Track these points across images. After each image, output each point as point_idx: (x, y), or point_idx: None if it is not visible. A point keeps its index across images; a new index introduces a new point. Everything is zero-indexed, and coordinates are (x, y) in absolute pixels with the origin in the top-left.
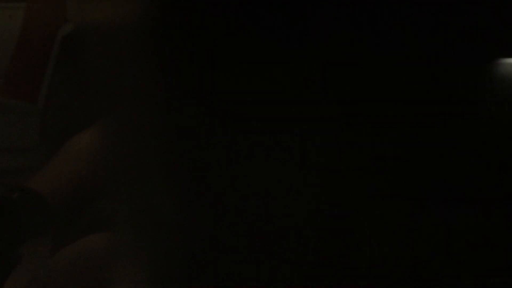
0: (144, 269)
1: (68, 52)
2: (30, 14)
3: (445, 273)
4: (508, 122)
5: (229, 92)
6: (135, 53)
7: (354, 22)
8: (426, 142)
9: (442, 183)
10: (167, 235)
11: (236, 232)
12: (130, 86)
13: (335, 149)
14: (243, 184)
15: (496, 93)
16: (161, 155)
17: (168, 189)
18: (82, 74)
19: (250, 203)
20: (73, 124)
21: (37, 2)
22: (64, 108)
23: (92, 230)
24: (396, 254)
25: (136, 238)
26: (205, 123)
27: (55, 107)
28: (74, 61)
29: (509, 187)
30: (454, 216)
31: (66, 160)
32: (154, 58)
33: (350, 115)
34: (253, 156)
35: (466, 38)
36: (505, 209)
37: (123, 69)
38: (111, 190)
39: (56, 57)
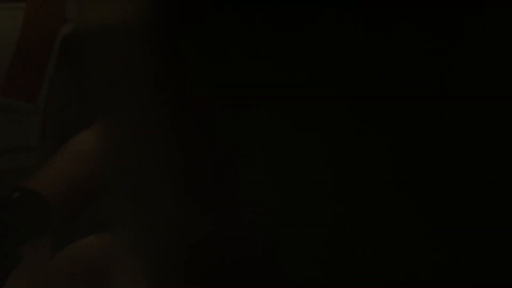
0: (145, 269)
1: (68, 52)
2: (30, 14)
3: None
4: None
5: (232, 90)
6: (136, 53)
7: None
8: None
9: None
10: (168, 235)
11: (239, 233)
12: (131, 86)
13: (343, 150)
14: (249, 185)
15: None
16: (161, 155)
17: (169, 189)
18: (82, 74)
19: (255, 205)
20: (73, 124)
21: (37, 2)
22: (64, 108)
23: (92, 230)
24: (402, 257)
25: (136, 238)
26: (207, 123)
27: (55, 107)
28: (74, 61)
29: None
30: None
31: (66, 160)
32: (155, 57)
33: (359, 116)
34: (259, 157)
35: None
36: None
37: (124, 68)
38: (112, 190)
39: (56, 57)
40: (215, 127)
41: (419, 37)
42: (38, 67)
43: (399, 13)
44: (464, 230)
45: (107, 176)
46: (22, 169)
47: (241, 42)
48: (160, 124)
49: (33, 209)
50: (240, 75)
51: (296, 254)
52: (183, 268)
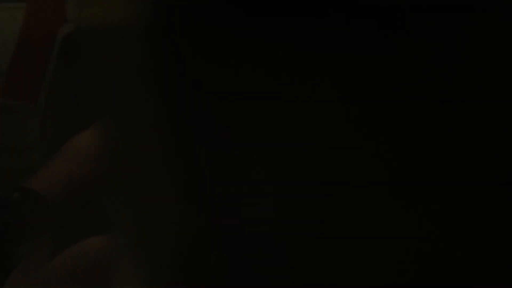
0: (145, 269)
1: (68, 52)
2: (30, 14)
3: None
4: None
5: (232, 91)
6: (136, 53)
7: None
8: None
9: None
10: (168, 236)
11: (239, 234)
12: (131, 86)
13: (346, 149)
14: (248, 186)
15: None
16: (161, 155)
17: (169, 189)
18: (82, 74)
19: (255, 206)
20: (73, 124)
21: (37, 2)
22: (64, 108)
23: (92, 231)
24: (401, 257)
25: (136, 238)
26: (207, 123)
27: (55, 107)
28: (74, 61)
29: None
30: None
31: (66, 160)
32: (155, 58)
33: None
34: (258, 158)
35: None
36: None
37: (124, 69)
38: (112, 190)
39: (56, 57)
40: (215, 128)
41: (418, 38)
42: (38, 67)
43: (397, 14)
44: (462, 230)
45: (107, 176)
46: (22, 169)
47: (241, 43)
48: (160, 124)
49: (33, 209)
50: (240, 76)
51: (296, 254)
52: (183, 268)
